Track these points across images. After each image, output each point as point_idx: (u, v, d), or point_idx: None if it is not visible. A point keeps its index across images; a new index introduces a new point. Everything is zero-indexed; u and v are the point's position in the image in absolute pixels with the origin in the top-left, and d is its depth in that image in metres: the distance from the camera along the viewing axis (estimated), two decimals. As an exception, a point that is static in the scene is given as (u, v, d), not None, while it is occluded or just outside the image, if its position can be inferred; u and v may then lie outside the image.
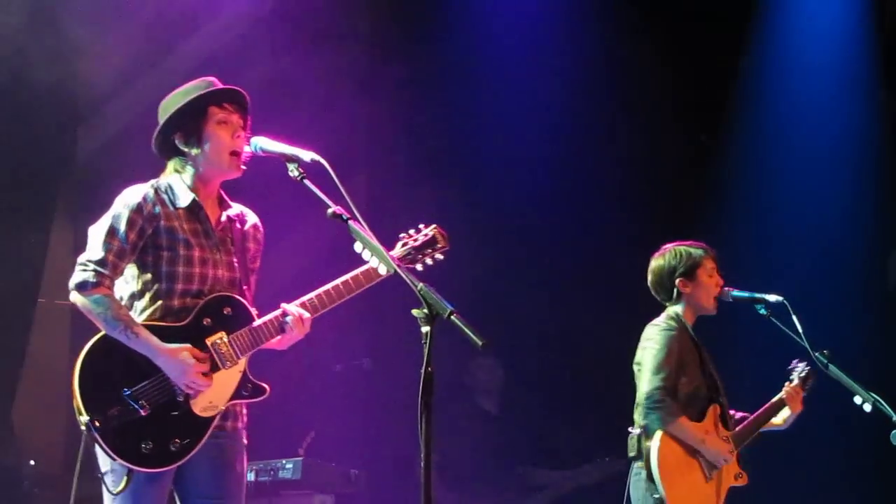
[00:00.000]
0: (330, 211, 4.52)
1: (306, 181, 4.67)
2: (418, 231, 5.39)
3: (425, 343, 4.06)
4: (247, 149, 5.09)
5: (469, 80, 9.55)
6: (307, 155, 4.69)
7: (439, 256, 5.37)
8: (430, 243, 5.36)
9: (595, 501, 9.27)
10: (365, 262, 4.76)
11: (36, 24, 7.84)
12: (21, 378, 8.34)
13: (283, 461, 7.91)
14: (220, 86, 5.21)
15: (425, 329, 4.09)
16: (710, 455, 6.33)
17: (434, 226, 5.41)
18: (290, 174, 4.72)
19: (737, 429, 6.53)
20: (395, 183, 9.36)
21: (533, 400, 9.74)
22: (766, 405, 6.65)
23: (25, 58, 7.78)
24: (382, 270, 4.84)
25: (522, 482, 9.50)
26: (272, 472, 7.84)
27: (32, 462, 8.41)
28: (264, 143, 4.95)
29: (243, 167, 5.14)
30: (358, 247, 4.58)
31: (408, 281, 4.20)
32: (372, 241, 4.48)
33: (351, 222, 4.49)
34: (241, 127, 5.14)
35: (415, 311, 4.13)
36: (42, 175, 8.24)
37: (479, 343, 4.05)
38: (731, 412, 6.58)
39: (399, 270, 4.31)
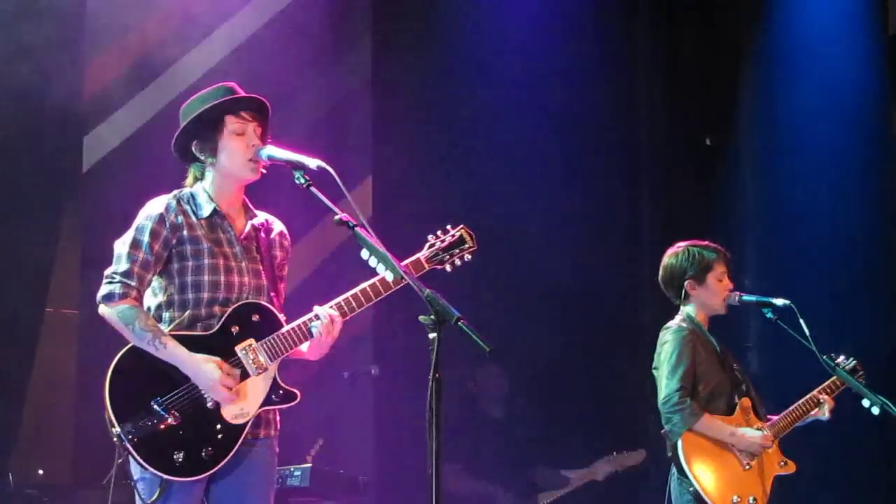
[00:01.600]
0: (336, 218, 4.57)
1: (313, 188, 4.72)
2: (445, 232, 5.40)
3: (433, 349, 4.09)
4: (258, 163, 5.11)
5: (474, 83, 9.54)
6: (313, 162, 4.74)
7: (468, 257, 5.39)
8: (458, 243, 5.36)
9: (608, 496, 9.30)
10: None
11: (39, 30, 7.86)
12: (28, 388, 8.35)
13: (292, 468, 7.91)
14: (240, 93, 5.21)
15: (433, 335, 4.12)
16: (743, 445, 6.37)
17: (461, 226, 5.42)
18: (297, 181, 4.77)
19: (774, 420, 6.56)
20: (402, 189, 9.38)
21: (539, 403, 9.75)
22: (805, 398, 6.63)
23: (31, 66, 7.80)
24: (389, 277, 4.87)
25: (533, 482, 9.51)
26: (280, 480, 7.84)
27: (41, 471, 8.43)
28: (271, 151, 5.01)
29: (263, 171, 5.15)
30: (364, 254, 4.62)
31: (415, 287, 4.24)
32: (378, 248, 4.52)
33: (357, 229, 4.54)
34: (258, 136, 5.14)
35: (422, 318, 4.16)
36: (48, 184, 8.24)
37: (487, 349, 4.08)
38: (764, 413, 6.61)
39: (406, 276, 4.35)
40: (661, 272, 6.68)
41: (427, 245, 5.36)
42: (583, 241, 9.65)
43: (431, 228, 5.41)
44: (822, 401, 6.61)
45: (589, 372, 9.78)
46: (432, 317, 4.14)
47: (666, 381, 6.35)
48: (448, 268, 5.34)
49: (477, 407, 9.67)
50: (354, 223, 4.54)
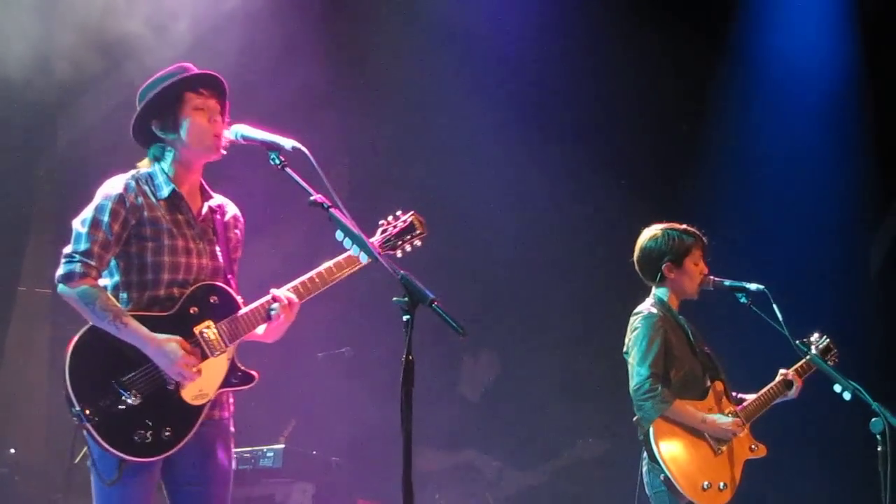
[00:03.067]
0: (311, 199, 4.54)
1: (287, 169, 4.67)
2: (396, 218, 5.41)
3: (406, 331, 4.08)
4: (227, 134, 5.09)
5: (449, 65, 9.53)
6: (288, 142, 4.69)
7: (418, 243, 5.40)
8: (409, 230, 5.38)
9: (596, 474, 9.35)
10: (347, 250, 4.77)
11: (13, 9, 7.82)
12: (0, 367, 8.33)
13: (264, 449, 7.91)
14: (195, 71, 5.20)
15: (406, 317, 4.11)
16: (714, 431, 6.37)
17: (412, 212, 5.43)
18: (271, 162, 4.73)
19: (744, 403, 6.57)
20: (377, 170, 9.36)
21: (522, 388, 9.78)
22: (776, 381, 6.64)
23: (3, 45, 7.76)
24: (364, 259, 4.85)
25: (509, 464, 9.56)
26: (253, 461, 7.84)
27: (13, 450, 8.41)
28: (245, 131, 4.96)
29: (223, 151, 5.14)
30: (339, 235, 4.59)
31: (389, 269, 4.22)
32: (353, 230, 4.50)
33: (332, 210, 4.51)
34: (218, 112, 5.15)
35: (396, 299, 4.15)
36: (21, 163, 8.21)
37: (460, 331, 4.07)
38: (734, 393, 6.62)
39: (380, 259, 4.33)
40: (637, 253, 6.66)
41: (379, 230, 5.39)
42: (557, 227, 9.66)
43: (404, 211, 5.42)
44: (793, 383, 6.62)
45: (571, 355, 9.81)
46: (406, 298, 4.12)
47: (637, 367, 6.34)
48: (399, 254, 5.37)
49: (454, 388, 9.69)
50: (329, 204, 4.51)
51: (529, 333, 9.89)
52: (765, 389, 6.62)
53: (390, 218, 5.41)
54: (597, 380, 9.22)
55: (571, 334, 9.77)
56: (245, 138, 4.95)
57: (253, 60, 8.27)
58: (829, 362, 6.67)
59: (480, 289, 9.62)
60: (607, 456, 9.38)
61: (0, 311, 8.31)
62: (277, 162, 4.69)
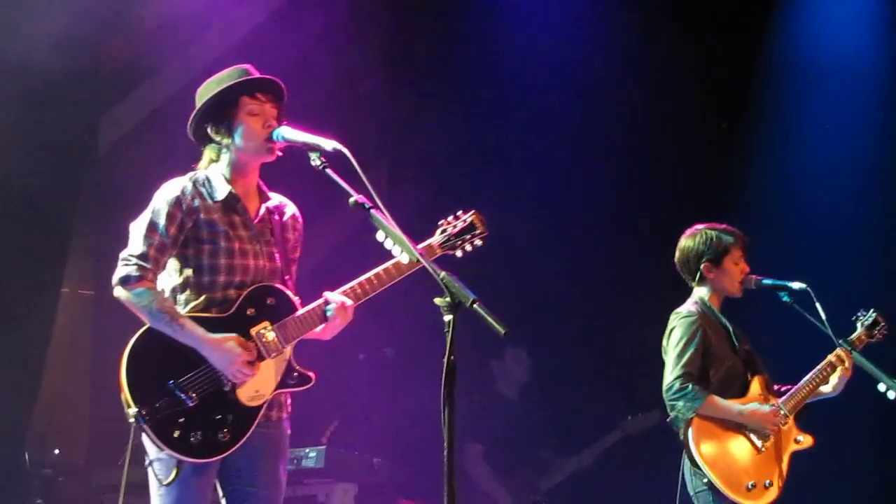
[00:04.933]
0: (352, 200, 4.53)
1: (328, 170, 4.68)
2: (457, 217, 5.40)
3: (448, 332, 4.07)
4: (274, 143, 5.09)
5: (490, 62, 9.56)
6: (329, 144, 4.69)
7: (478, 242, 5.39)
8: (469, 229, 5.37)
9: (644, 450, 9.34)
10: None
11: (55, 10, 7.87)
12: (44, 368, 8.36)
13: (307, 450, 7.93)
14: (256, 74, 5.21)
15: (448, 318, 4.09)
16: (752, 421, 6.32)
17: (473, 211, 5.42)
18: (312, 163, 4.74)
19: (787, 394, 6.48)
20: (418, 171, 9.37)
21: (559, 382, 9.78)
22: (817, 368, 6.54)
23: (49, 47, 7.80)
24: (405, 259, 4.85)
25: (547, 463, 9.56)
26: (295, 461, 7.86)
27: (57, 451, 8.46)
28: (286, 133, 4.98)
29: (279, 152, 5.14)
30: (380, 236, 4.58)
31: (430, 270, 4.20)
32: (394, 230, 4.47)
33: (373, 211, 4.49)
34: (273, 117, 5.14)
35: (437, 300, 4.13)
36: (64, 164, 8.26)
37: (502, 332, 4.05)
38: (777, 387, 6.55)
39: (421, 259, 4.31)
40: (677, 254, 6.65)
41: (439, 230, 5.37)
42: (596, 225, 9.64)
43: (446, 214, 5.42)
44: (837, 366, 6.51)
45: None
46: (447, 299, 4.11)
47: (671, 368, 6.33)
48: (459, 253, 5.35)
49: (495, 389, 9.70)
50: (370, 205, 4.50)
51: (561, 325, 9.88)
52: (808, 376, 6.52)
53: (450, 217, 5.40)
54: (634, 359, 9.18)
55: (606, 322, 9.78)
56: (286, 140, 4.98)
57: (300, 59, 8.30)
58: (876, 336, 6.63)
59: (508, 284, 9.60)
60: (657, 428, 9.33)
61: (43, 313, 8.32)
62: (318, 163, 4.70)
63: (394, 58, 9.51)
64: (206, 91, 5.19)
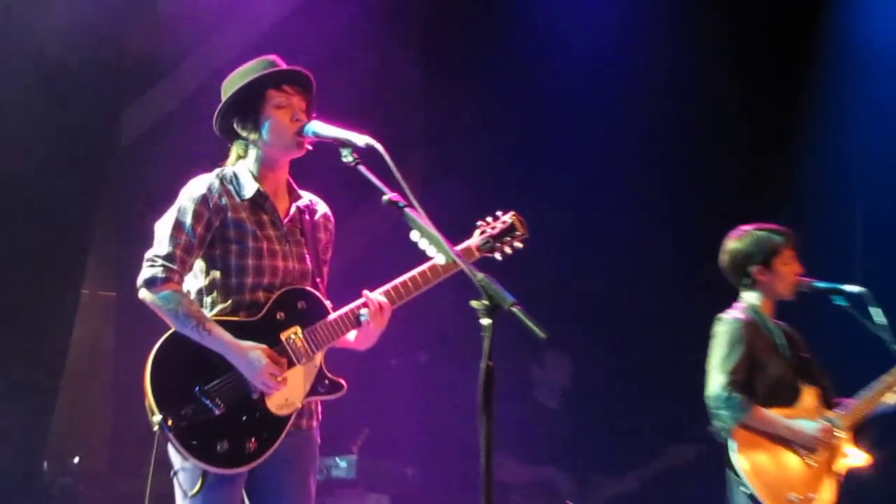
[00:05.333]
0: (385, 198, 4.50)
1: (361, 167, 4.68)
2: (496, 218, 5.41)
3: (485, 336, 4.06)
4: (305, 138, 5.08)
5: (536, 51, 9.58)
6: (361, 139, 4.70)
7: (518, 245, 5.40)
8: (509, 231, 5.39)
9: (688, 480, 9.31)
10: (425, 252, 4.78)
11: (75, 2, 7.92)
12: (64, 373, 8.39)
13: (337, 459, 7.95)
14: (282, 66, 5.20)
15: (485, 321, 4.08)
16: (799, 439, 6.30)
17: (512, 212, 5.43)
18: (344, 160, 4.74)
19: (843, 409, 6.44)
20: (455, 166, 9.38)
21: (602, 391, 9.78)
22: (879, 379, 6.48)
23: (69, 37, 7.83)
24: (441, 261, 4.84)
25: (590, 475, 9.54)
26: (325, 471, 7.88)
27: (76, 459, 8.49)
28: (317, 128, 4.97)
29: (308, 147, 5.13)
30: (415, 235, 4.58)
31: (467, 271, 4.18)
32: (430, 230, 4.45)
33: (407, 210, 4.47)
34: (302, 110, 5.13)
35: (474, 303, 4.10)
36: (84, 161, 8.29)
37: (543, 336, 4.04)
38: (836, 400, 6.50)
39: (458, 260, 4.29)
40: (724, 257, 6.61)
41: (478, 231, 5.38)
42: (650, 227, 9.62)
43: (484, 212, 5.42)
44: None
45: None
46: (485, 302, 4.10)
47: (714, 375, 6.32)
48: (498, 256, 5.36)
49: (533, 396, 9.69)
50: (404, 203, 4.48)
51: (606, 334, 9.86)
52: (867, 389, 6.47)
53: (489, 219, 5.41)
54: (681, 381, 9.16)
55: (652, 334, 9.73)
56: (317, 135, 4.97)
57: (333, 50, 8.32)
58: None
59: (547, 284, 9.60)
60: (700, 460, 9.31)
61: (63, 315, 8.33)
62: (350, 159, 4.70)
63: (429, 51, 9.53)
64: (230, 84, 5.19)
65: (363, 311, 5.11)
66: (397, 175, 4.39)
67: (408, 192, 4.44)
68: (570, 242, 9.61)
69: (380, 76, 9.13)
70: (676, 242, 9.50)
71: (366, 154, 4.69)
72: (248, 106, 5.15)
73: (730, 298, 6.64)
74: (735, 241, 6.60)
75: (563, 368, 9.75)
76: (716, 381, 6.27)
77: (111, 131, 8.60)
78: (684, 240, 9.19)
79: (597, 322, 9.79)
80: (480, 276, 4.14)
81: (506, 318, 4.03)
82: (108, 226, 8.67)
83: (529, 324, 4.02)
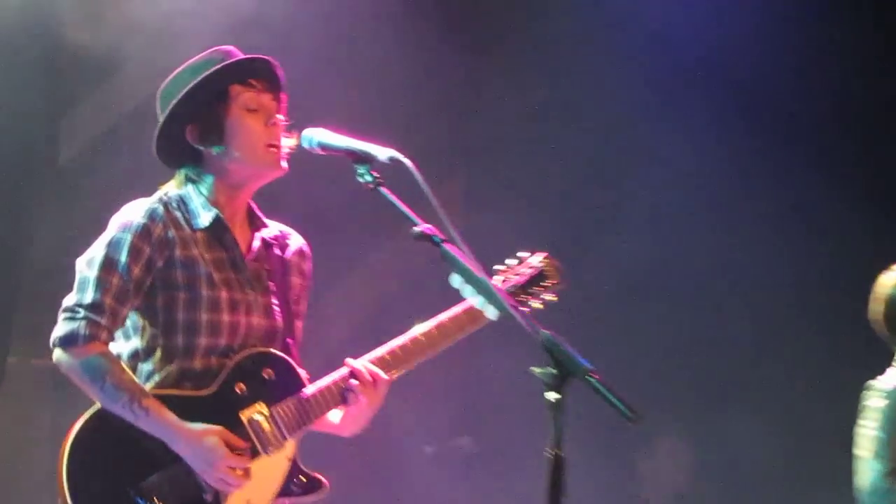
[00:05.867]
0: (416, 230, 4.45)
1: (382, 189, 4.61)
2: (522, 262, 5.46)
3: (553, 415, 4.03)
4: (289, 143, 5.11)
5: (603, 53, 9.72)
6: (383, 152, 4.61)
7: (551, 297, 5.44)
8: (539, 278, 5.44)
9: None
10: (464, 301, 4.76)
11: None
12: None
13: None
14: (240, 55, 5.20)
15: (552, 396, 4.05)
16: None
17: (544, 255, 5.48)
18: (359, 179, 4.67)
19: None
20: (502, 187, 9.41)
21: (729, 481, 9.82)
22: None
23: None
24: (491, 314, 4.76)
25: None
26: None
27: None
28: (323, 137, 4.84)
29: (284, 164, 5.13)
30: (455, 280, 4.49)
31: (527, 328, 4.14)
32: (475, 272, 4.38)
33: (445, 245, 4.41)
34: (274, 111, 5.15)
35: (536, 371, 4.06)
36: (11, 190, 8.35)
37: (630, 416, 4.01)
38: None
39: (516, 315, 4.24)
40: (877, 307, 6.59)
41: (499, 279, 5.41)
42: (769, 263, 9.71)
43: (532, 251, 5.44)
44: None
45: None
46: (552, 370, 4.06)
47: (871, 460, 6.31)
48: (525, 311, 5.28)
49: (629, 489, 9.71)
50: (441, 237, 4.42)
51: (731, 406, 9.86)
52: None
53: (513, 262, 5.44)
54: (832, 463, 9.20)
55: (794, 404, 9.78)
56: (324, 147, 4.83)
57: (337, 44, 8.38)
58: None
59: (644, 343, 9.61)
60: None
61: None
62: (369, 179, 4.60)
63: (472, 48, 9.63)
64: (176, 84, 5.19)
65: (350, 381, 5.12)
66: (432, 199, 4.33)
67: (446, 221, 4.38)
68: (658, 285, 9.68)
69: (403, 77, 9.18)
70: (808, 287, 9.53)
71: (390, 172, 4.64)
72: (207, 111, 5.14)
73: (882, 360, 6.62)
74: (889, 287, 6.56)
75: (679, 462, 9.76)
76: (874, 470, 6.26)
77: (44, 149, 8.65)
78: (822, 282, 9.21)
79: (721, 397, 9.81)
80: (545, 334, 4.10)
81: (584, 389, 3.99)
82: (39, 277, 8.67)
83: (613, 400, 3.98)
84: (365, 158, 4.68)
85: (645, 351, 9.45)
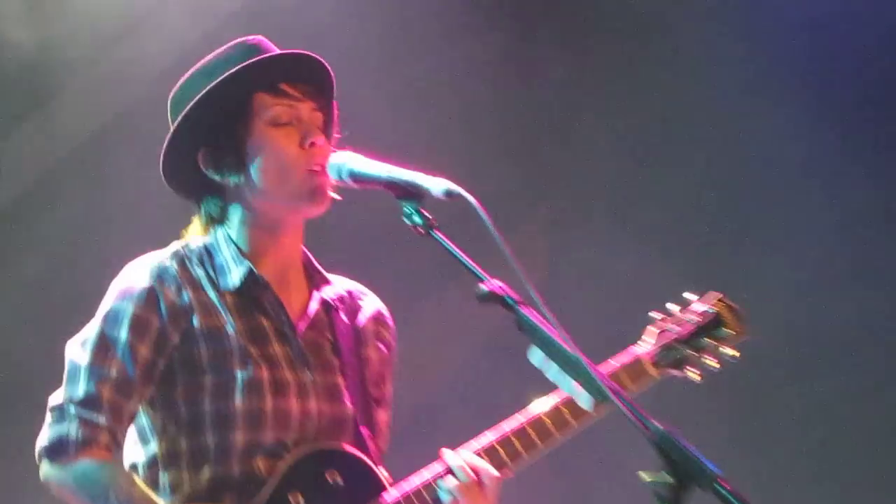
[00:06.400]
0: (483, 289, 4.42)
1: (436, 233, 4.60)
2: (685, 307, 5.45)
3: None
4: (323, 176, 5.05)
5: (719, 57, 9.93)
6: (437, 185, 4.59)
7: (731, 354, 5.41)
8: (711, 327, 5.42)
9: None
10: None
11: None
12: None
13: None
14: (273, 51, 5.17)
15: (669, 510, 4.04)
16: None
17: (717, 296, 5.47)
18: (406, 220, 4.64)
19: None
20: (595, 230, 9.45)
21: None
22: None
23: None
24: (585, 403, 4.73)
25: None
26: None
27: None
28: (356, 165, 4.86)
29: (333, 194, 5.10)
30: (535, 356, 4.47)
31: (637, 423, 4.13)
32: (562, 346, 4.36)
33: (522, 309, 4.39)
34: (318, 126, 5.13)
35: (646, 476, 4.08)
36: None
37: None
38: None
39: (620, 404, 4.22)
40: None
41: (654, 330, 5.37)
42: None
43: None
44: None
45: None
46: (668, 477, 4.05)
47: None
48: (694, 375, 5.36)
49: None
50: (516, 298, 4.40)
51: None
52: None
53: (674, 307, 5.44)
54: None
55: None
56: (358, 178, 4.85)
57: (372, 37, 8.42)
58: None
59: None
60: None
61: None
62: (419, 221, 4.58)
63: (562, 50, 9.78)
64: (187, 90, 5.17)
65: (448, 485, 5.10)
66: (503, 246, 4.30)
67: (522, 276, 4.34)
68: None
69: (463, 89, 9.24)
70: None
71: (444, 211, 4.61)
72: (224, 125, 5.12)
73: None
74: None
75: None
76: None
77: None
78: None
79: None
80: (661, 430, 4.08)
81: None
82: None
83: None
84: (413, 193, 4.66)
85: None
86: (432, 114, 8.68)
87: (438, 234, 4.59)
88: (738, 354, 5.38)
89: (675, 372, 5.30)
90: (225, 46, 5.22)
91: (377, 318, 5.38)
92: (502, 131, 9.34)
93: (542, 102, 9.73)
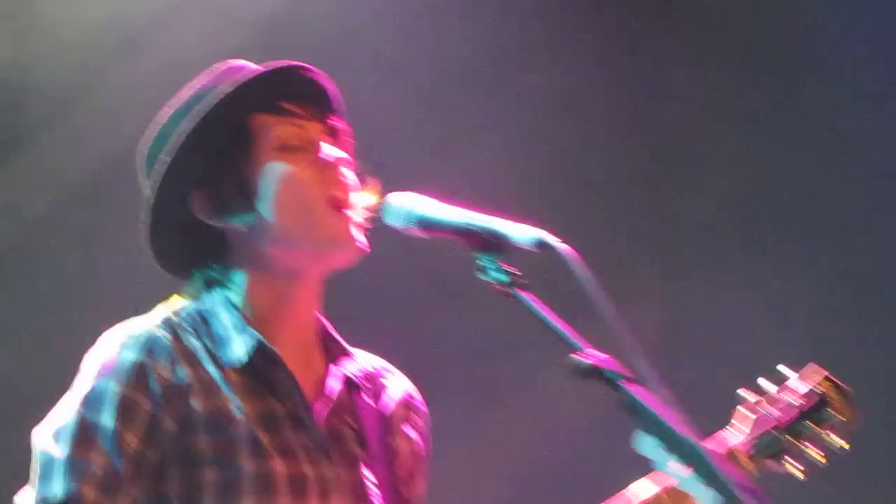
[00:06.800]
0: (580, 361, 4.42)
1: (521, 294, 4.59)
2: (783, 385, 5.46)
3: None
4: (364, 200, 5.08)
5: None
6: (524, 234, 4.58)
7: (839, 443, 5.40)
8: (816, 411, 5.42)
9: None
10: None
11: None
12: None
13: None
14: (257, 67, 5.19)
15: None
16: None
17: (822, 374, 5.47)
18: (482, 276, 4.63)
19: None
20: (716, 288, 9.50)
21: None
22: None
23: None
24: (705, 500, 4.75)
25: None
26: None
27: None
28: (425, 209, 4.81)
29: (360, 237, 5.10)
30: (644, 443, 4.49)
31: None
32: (678, 431, 4.40)
33: (627, 387, 4.39)
34: (343, 154, 5.14)
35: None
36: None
37: None
38: None
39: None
40: None
41: (747, 413, 5.41)
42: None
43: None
44: None
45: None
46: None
47: None
48: (795, 470, 5.39)
49: None
50: (621, 373, 4.39)
51: None
52: None
53: (770, 385, 5.43)
54: None
55: None
56: (427, 225, 4.80)
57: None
58: None
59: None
60: None
61: None
62: (504, 279, 4.56)
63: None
64: (162, 138, 5.18)
65: None
66: (606, 311, 4.30)
67: (629, 346, 4.35)
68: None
69: (549, 114, 9.29)
70: None
71: (532, 266, 4.62)
72: (220, 160, 5.13)
73: None
74: None
75: None
76: None
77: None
78: None
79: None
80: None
81: None
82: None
83: None
84: (494, 244, 4.64)
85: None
86: (514, 149, 8.67)
87: (524, 295, 4.56)
88: (847, 446, 5.37)
89: (773, 465, 5.29)
90: (199, 78, 5.25)
91: (407, 403, 5.40)
92: (606, 174, 9.40)
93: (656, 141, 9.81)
